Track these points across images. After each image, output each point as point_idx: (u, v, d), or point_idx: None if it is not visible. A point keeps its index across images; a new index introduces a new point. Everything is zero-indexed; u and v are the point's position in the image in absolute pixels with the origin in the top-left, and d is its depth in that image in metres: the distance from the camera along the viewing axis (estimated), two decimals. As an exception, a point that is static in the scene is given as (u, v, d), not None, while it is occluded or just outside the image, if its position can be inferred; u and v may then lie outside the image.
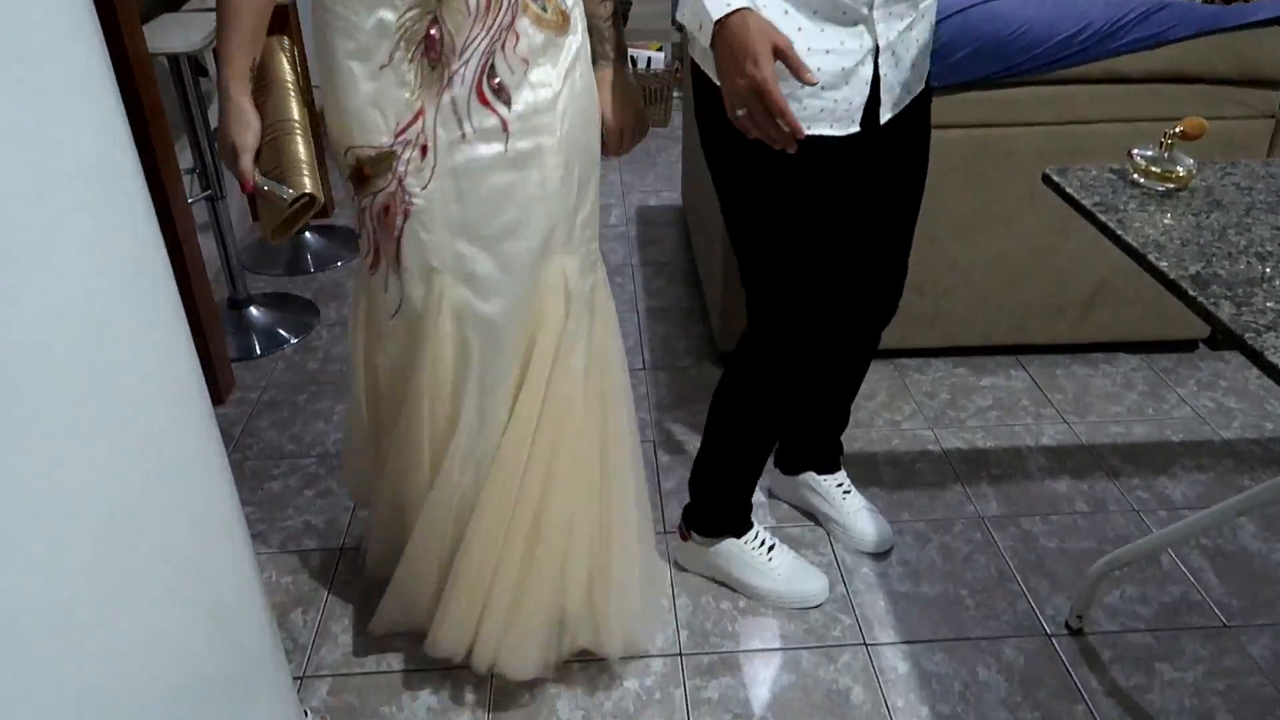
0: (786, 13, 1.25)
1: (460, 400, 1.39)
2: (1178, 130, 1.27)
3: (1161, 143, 1.28)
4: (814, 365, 1.55)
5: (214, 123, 2.80)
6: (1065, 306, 2.31)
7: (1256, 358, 0.92)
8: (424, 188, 1.27)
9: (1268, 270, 1.05)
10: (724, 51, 1.16)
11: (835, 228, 1.43)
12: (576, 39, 1.31)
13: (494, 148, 1.26)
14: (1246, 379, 2.28)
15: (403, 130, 1.25)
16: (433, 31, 1.22)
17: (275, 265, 2.94)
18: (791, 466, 1.89)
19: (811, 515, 1.88)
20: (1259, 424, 2.12)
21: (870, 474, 1.99)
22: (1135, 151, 1.30)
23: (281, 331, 2.57)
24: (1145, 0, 2.13)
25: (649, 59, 4.05)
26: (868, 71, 1.33)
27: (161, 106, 2.08)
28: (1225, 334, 0.97)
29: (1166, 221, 1.18)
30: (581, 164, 1.35)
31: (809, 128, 1.32)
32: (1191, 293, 1.02)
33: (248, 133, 1.24)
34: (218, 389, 2.28)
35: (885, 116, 1.39)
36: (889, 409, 2.20)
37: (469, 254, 1.31)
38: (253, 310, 2.61)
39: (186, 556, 0.91)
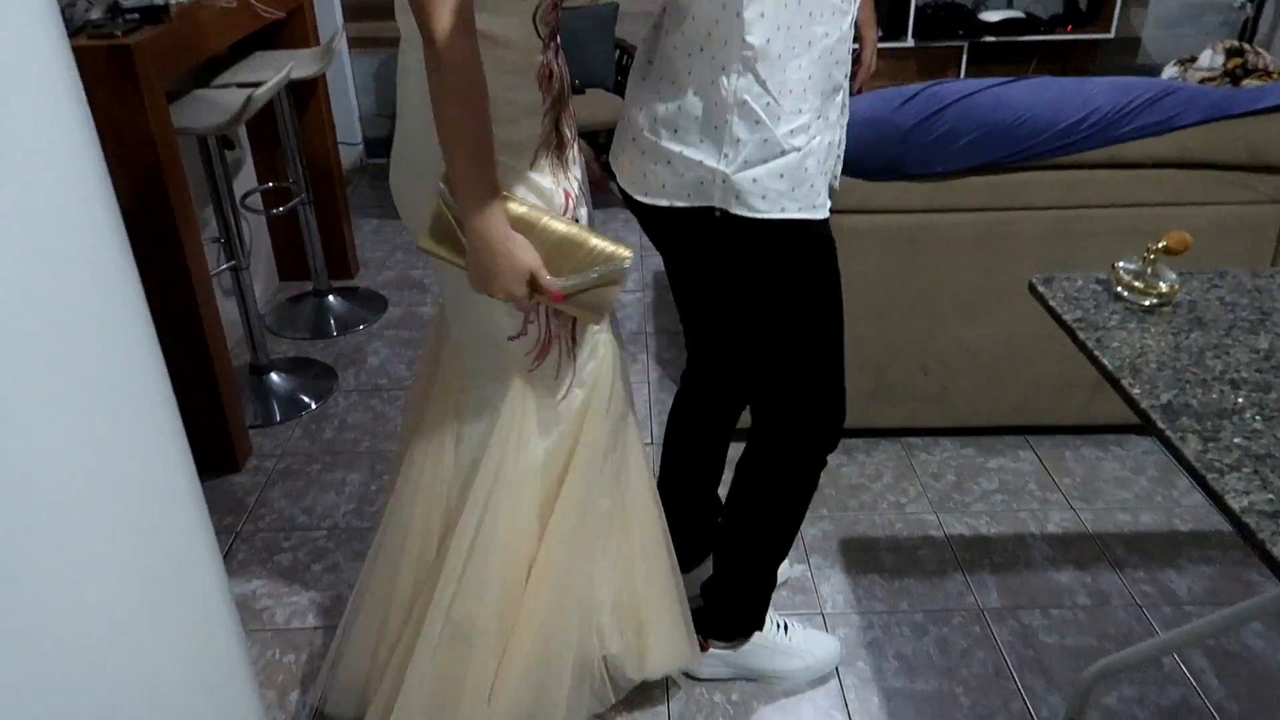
0: (805, 92, 1.29)
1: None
2: (1161, 245, 1.27)
3: (1145, 257, 1.29)
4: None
5: (239, 194, 2.89)
6: (1074, 387, 2.29)
7: (1217, 500, 0.92)
8: None
9: (1239, 400, 1.06)
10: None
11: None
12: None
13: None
14: (1261, 464, 2.25)
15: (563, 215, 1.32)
16: (563, 129, 1.33)
17: (299, 328, 3.01)
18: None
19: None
20: (1272, 512, 2.09)
21: (871, 560, 1.98)
22: (1120, 265, 1.31)
23: (301, 397, 2.63)
24: (1151, 86, 2.14)
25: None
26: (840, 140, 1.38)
27: (185, 181, 2.16)
28: (1189, 471, 0.97)
29: (1146, 342, 1.19)
30: None
31: (819, 213, 1.35)
32: (1160, 425, 1.02)
33: (529, 252, 1.22)
34: (234, 457, 2.33)
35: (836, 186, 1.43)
36: (894, 490, 2.19)
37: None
38: (273, 376, 2.67)
39: (174, 648, 0.95)
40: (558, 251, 1.26)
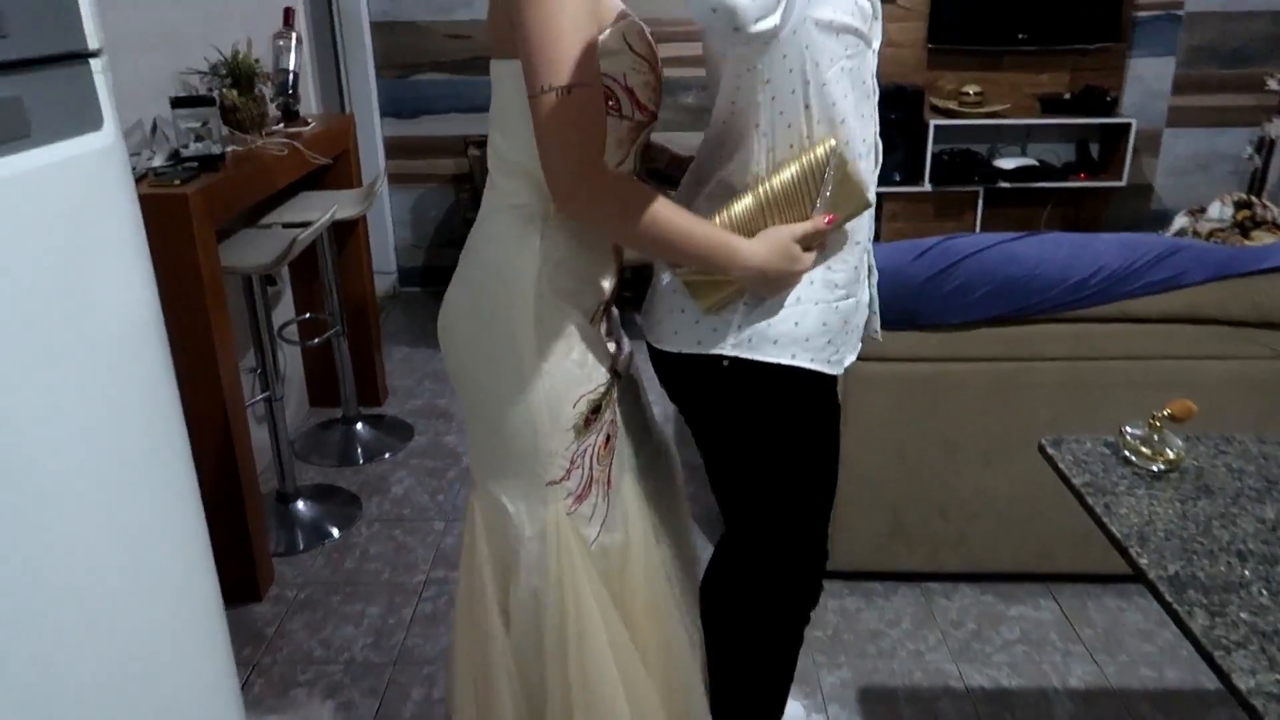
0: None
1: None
2: (1166, 413, 1.31)
3: (1150, 424, 1.32)
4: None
5: (277, 324, 3.01)
6: (1094, 537, 2.28)
7: (1224, 678, 0.93)
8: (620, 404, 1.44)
9: (1246, 573, 1.07)
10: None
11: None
12: None
13: None
14: (1288, 619, 2.22)
15: (614, 360, 1.41)
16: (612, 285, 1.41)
17: (326, 454, 3.07)
18: None
19: None
20: (1301, 672, 2.05)
21: (890, 711, 1.96)
22: (1127, 430, 1.35)
23: (326, 525, 2.67)
24: (1158, 244, 2.22)
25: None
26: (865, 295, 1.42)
27: (228, 317, 2.26)
28: (1196, 647, 0.98)
29: (1154, 509, 1.22)
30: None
31: (832, 368, 1.38)
32: (1168, 597, 1.04)
33: (780, 236, 1.24)
34: (257, 586, 2.36)
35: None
36: (913, 637, 2.18)
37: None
38: (299, 505, 2.71)
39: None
40: (788, 201, 1.25)
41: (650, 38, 1.28)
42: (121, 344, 0.95)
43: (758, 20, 0.99)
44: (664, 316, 1.38)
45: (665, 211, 1.18)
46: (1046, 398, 2.21)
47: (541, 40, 1.08)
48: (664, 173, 1.52)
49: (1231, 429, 2.16)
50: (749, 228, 1.25)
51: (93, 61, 0.89)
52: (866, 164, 1.31)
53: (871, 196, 1.31)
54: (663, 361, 1.42)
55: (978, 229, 4.37)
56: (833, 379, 1.41)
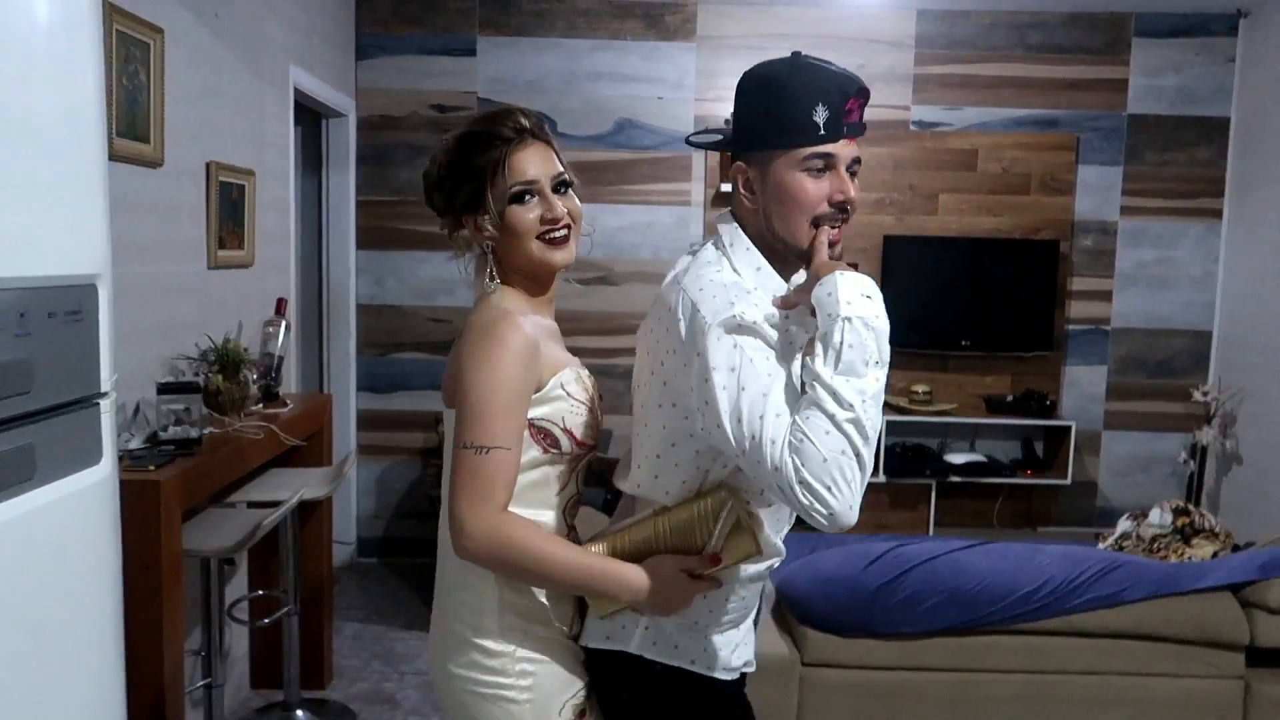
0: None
1: None
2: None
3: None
4: None
5: (229, 599, 2.96)
6: None
7: None
8: None
9: None
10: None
11: None
12: None
13: None
14: None
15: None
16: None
17: (261, 745, 2.91)
18: None
19: None
20: None
21: None
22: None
23: (250, 828, 2.49)
24: (1101, 559, 2.31)
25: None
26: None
27: (182, 601, 2.23)
28: None
29: None
30: None
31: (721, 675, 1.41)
32: None
33: (668, 565, 1.31)
34: None
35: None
36: None
37: None
38: (225, 804, 2.54)
39: None
40: (680, 536, 1.32)
41: (587, 381, 1.43)
42: (77, 654, 0.97)
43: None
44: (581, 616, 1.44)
45: (558, 555, 1.30)
46: (1004, 711, 2.20)
47: (475, 404, 1.26)
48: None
49: (1187, 754, 2.16)
50: (643, 553, 1.35)
51: (102, 402, 0.97)
52: (780, 516, 1.41)
53: (777, 547, 1.41)
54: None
55: (931, 520, 4.48)
56: (737, 683, 1.44)
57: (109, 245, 1.01)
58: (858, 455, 1.16)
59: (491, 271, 1.41)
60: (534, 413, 1.34)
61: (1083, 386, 4.64)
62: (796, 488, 1.16)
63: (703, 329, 1.24)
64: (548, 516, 1.39)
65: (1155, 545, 3.37)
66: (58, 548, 0.91)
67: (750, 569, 1.40)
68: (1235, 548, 3.12)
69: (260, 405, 2.93)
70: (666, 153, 4.46)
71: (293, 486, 2.75)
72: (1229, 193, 4.51)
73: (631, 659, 1.39)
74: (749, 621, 1.48)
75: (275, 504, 2.56)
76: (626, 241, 4.51)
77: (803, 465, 1.16)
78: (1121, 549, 3.37)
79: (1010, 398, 4.54)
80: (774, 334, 1.26)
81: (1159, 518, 3.49)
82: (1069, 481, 4.44)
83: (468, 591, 1.38)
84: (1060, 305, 4.55)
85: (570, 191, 1.42)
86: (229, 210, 2.99)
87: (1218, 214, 4.54)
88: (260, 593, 3.15)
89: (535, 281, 1.43)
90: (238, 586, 3.16)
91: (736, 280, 1.32)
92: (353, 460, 3.05)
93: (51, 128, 0.92)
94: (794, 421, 1.19)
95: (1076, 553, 2.35)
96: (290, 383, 3.56)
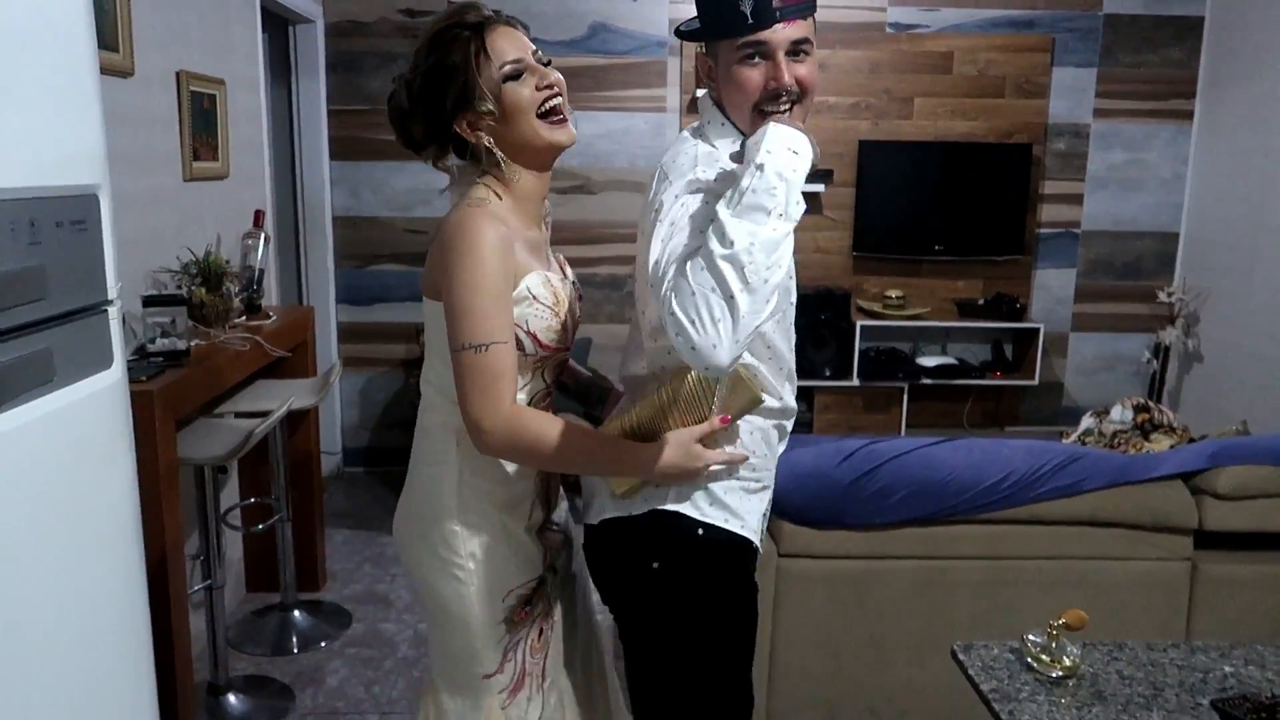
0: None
1: None
2: (1061, 622, 1.44)
3: (1048, 632, 1.45)
4: None
5: (223, 507, 3.03)
6: (1019, 733, 2.37)
7: None
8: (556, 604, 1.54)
9: (1134, 781, 1.18)
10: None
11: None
12: None
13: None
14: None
15: (550, 563, 1.54)
16: (547, 486, 1.54)
17: (261, 644, 3.03)
18: None
19: None
20: None
21: None
22: (1029, 638, 1.47)
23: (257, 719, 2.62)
24: (1062, 451, 2.42)
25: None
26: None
27: (178, 507, 2.30)
28: None
29: (1053, 715, 1.32)
30: None
31: (754, 538, 1.50)
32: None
33: (683, 438, 1.36)
34: (181, 785, 2.30)
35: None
36: (847, 839, 2.19)
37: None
38: (230, 698, 2.67)
39: None
40: (687, 405, 1.37)
41: (559, 287, 1.46)
42: (104, 545, 1.03)
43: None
44: (591, 497, 1.51)
45: (572, 439, 1.35)
46: (967, 596, 2.33)
47: (463, 305, 1.30)
48: (571, 388, 1.69)
49: (1134, 626, 2.31)
50: (651, 429, 1.40)
51: (109, 308, 1.01)
52: (789, 383, 1.48)
53: (780, 395, 1.47)
54: (591, 541, 1.53)
55: (904, 422, 4.61)
56: (751, 556, 1.51)
57: (105, 154, 1.04)
58: (730, 297, 1.15)
59: (504, 163, 1.40)
60: None
61: (1052, 289, 4.74)
62: (667, 319, 1.18)
63: (664, 189, 1.30)
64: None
65: (1116, 441, 3.52)
66: (78, 449, 0.96)
67: (761, 421, 1.46)
68: (1190, 441, 3.27)
69: (244, 318, 2.96)
70: (641, 58, 4.42)
71: (280, 397, 2.80)
72: (1200, 94, 4.54)
73: (665, 525, 1.42)
74: (770, 494, 1.54)
75: (263, 414, 2.61)
76: (603, 149, 4.49)
77: (674, 296, 1.18)
78: (1084, 445, 3.51)
79: (981, 301, 4.63)
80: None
81: (1120, 414, 3.63)
82: (1036, 382, 4.57)
83: (433, 469, 1.46)
84: (1031, 209, 4.60)
85: (550, 66, 1.44)
86: (201, 121, 2.97)
87: (1189, 115, 4.58)
88: (252, 500, 3.23)
89: (538, 176, 1.45)
90: (230, 495, 3.23)
91: (710, 151, 1.36)
92: (338, 370, 3.10)
93: (45, 38, 0.93)
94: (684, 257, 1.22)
95: (1039, 446, 2.46)
96: (271, 295, 3.58)
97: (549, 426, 1.34)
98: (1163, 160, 4.63)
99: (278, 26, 4.07)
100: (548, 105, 1.39)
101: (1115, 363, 4.83)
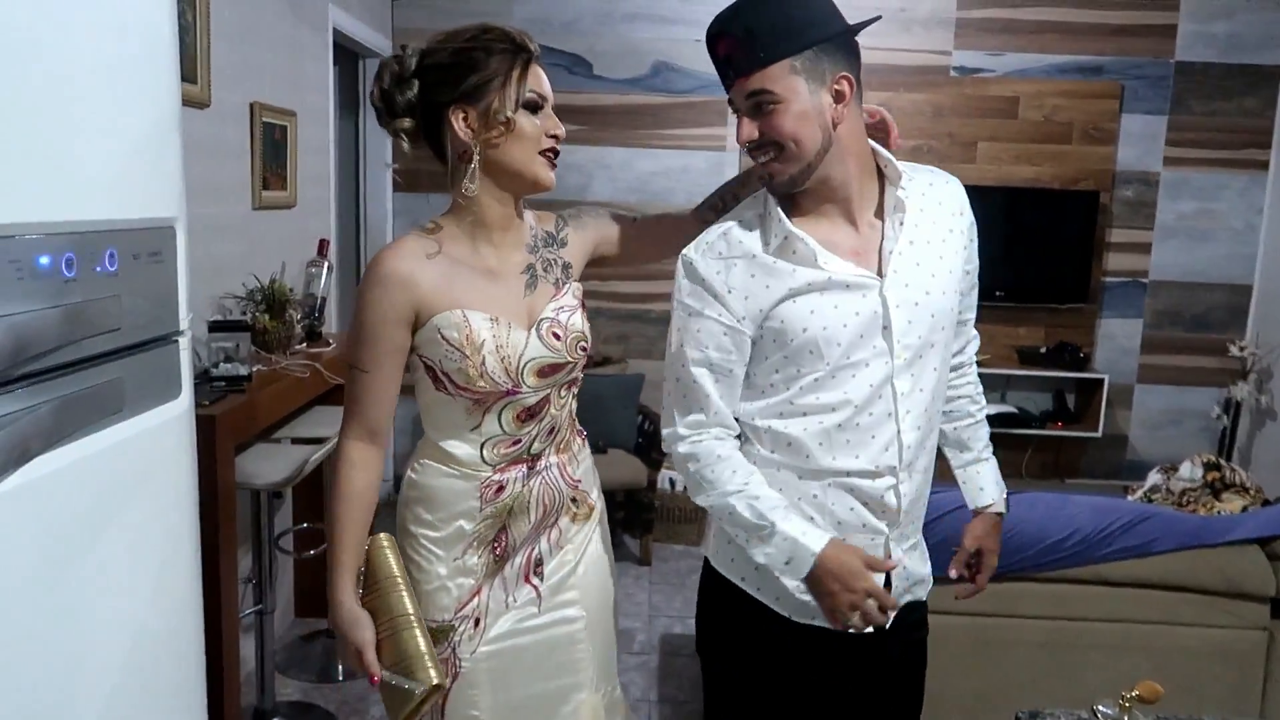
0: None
1: None
2: (1135, 694, 1.38)
3: (1120, 704, 1.38)
4: None
5: (276, 531, 3.06)
6: (1080, 803, 2.27)
7: None
8: (473, 654, 1.48)
9: None
10: (826, 575, 1.36)
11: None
12: (593, 521, 1.60)
13: (529, 612, 1.51)
14: None
15: (462, 607, 1.48)
16: (502, 536, 1.50)
17: (307, 671, 3.04)
18: None
19: None
20: None
21: None
22: (1100, 709, 1.40)
23: (298, 747, 2.61)
24: (1131, 510, 2.34)
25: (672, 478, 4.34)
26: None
27: (235, 531, 2.32)
28: None
29: (1126, 793, 1.26)
30: (599, 617, 1.58)
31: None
32: None
33: (365, 630, 1.41)
34: (223, 812, 2.29)
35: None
36: None
37: (507, 702, 1.49)
38: (275, 723, 2.67)
39: None
40: (391, 643, 1.39)
41: (477, 327, 1.39)
42: (164, 569, 1.04)
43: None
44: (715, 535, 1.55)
45: (335, 514, 1.46)
46: (1027, 656, 2.25)
47: (352, 327, 1.39)
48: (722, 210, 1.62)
49: (1205, 698, 2.21)
50: (372, 603, 1.45)
51: (179, 339, 1.02)
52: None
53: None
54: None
55: (961, 470, 4.50)
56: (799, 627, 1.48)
57: (183, 188, 1.05)
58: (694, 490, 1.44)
59: (473, 174, 1.38)
60: (416, 344, 1.41)
61: (1117, 339, 4.62)
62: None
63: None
64: (462, 450, 1.46)
65: (1184, 499, 3.39)
66: (143, 477, 0.97)
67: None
68: (1265, 503, 3.14)
69: (304, 344, 3.00)
70: (702, 97, 4.44)
71: (336, 424, 2.82)
72: (1277, 144, 4.43)
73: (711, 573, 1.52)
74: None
75: (319, 440, 2.63)
76: (660, 186, 4.50)
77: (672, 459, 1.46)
78: (1150, 502, 3.40)
79: (1043, 349, 4.53)
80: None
81: (1189, 471, 3.51)
82: (1100, 434, 4.44)
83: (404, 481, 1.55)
84: (1097, 257, 4.51)
85: None
86: (271, 151, 3.03)
87: (1264, 165, 4.46)
88: (305, 525, 3.26)
89: (503, 202, 1.43)
90: (283, 518, 3.26)
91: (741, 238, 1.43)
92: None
93: (132, 73, 0.95)
94: (693, 452, 1.42)
95: (1106, 503, 2.38)
96: (331, 323, 3.63)
97: (346, 487, 1.44)
98: (1234, 210, 4.51)
99: (348, 59, 4.16)
100: (551, 148, 1.43)
101: (1182, 417, 4.68)
